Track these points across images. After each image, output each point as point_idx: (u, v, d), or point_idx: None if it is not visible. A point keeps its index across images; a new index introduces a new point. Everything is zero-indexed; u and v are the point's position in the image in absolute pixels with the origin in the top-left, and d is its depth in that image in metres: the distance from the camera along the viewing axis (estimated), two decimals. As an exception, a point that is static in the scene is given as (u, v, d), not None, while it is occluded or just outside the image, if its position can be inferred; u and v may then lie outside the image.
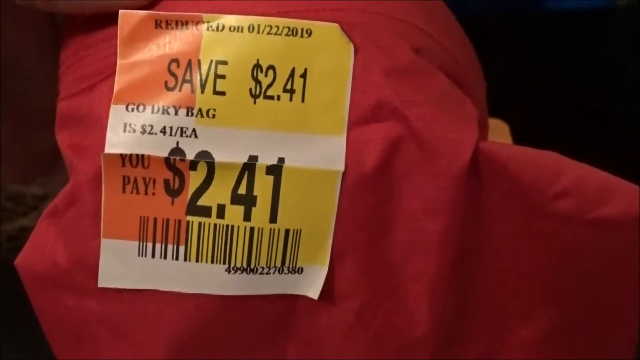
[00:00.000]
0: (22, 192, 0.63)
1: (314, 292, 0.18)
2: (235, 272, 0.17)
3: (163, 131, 0.16)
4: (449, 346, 0.21)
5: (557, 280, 0.21)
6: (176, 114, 0.16)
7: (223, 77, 0.16)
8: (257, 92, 0.16)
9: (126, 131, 0.17)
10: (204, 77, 0.16)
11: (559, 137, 0.74)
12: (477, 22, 0.92)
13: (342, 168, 0.17)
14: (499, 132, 0.39)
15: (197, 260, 0.17)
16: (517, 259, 0.21)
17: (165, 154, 0.17)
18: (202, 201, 0.17)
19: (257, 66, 0.16)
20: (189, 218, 0.17)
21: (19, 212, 0.59)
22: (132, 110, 0.16)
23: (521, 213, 0.21)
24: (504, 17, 0.89)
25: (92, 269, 0.19)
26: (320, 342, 0.19)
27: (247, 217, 0.17)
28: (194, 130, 0.16)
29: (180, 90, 0.16)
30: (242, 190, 0.17)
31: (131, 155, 0.17)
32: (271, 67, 0.16)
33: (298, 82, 0.16)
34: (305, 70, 0.16)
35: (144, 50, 0.17)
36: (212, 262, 0.17)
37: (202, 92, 0.16)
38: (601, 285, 0.22)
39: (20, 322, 0.56)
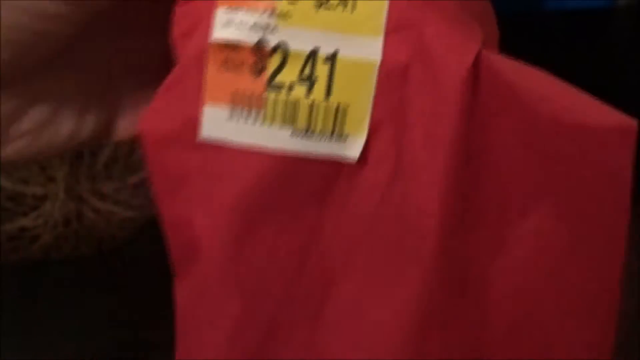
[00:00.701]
0: (22, 192, 0.63)
1: (354, 155, 0.24)
2: (297, 136, 0.24)
3: (253, 26, 0.24)
4: (455, 236, 0.25)
5: (550, 182, 0.26)
6: (263, 14, 0.24)
7: None
8: (320, 3, 0.23)
9: (227, 26, 0.24)
10: None
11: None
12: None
13: (379, 60, 0.24)
14: None
15: (270, 124, 0.24)
16: (514, 162, 0.25)
17: (254, 43, 0.24)
18: (277, 80, 0.24)
19: None
20: (267, 93, 0.24)
21: (19, 212, 0.59)
22: (232, 11, 0.24)
23: (517, 118, 0.26)
24: (504, 17, 0.89)
25: (196, 128, 0.25)
26: (355, 205, 0.25)
27: (308, 93, 0.24)
28: (275, 26, 0.24)
29: None
30: (306, 73, 0.24)
31: (229, 43, 0.24)
32: None
33: None
34: None
35: None
36: (281, 126, 0.24)
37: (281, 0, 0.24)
38: (592, 193, 0.27)
39: (20, 322, 0.56)
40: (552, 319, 0.27)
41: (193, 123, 0.25)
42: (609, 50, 0.85)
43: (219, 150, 0.25)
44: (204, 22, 0.24)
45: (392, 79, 0.24)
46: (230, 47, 0.24)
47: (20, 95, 0.25)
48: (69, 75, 0.27)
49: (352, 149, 0.25)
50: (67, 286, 0.57)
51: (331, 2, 0.23)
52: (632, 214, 0.63)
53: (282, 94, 0.24)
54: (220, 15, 0.24)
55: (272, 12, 0.24)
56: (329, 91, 0.24)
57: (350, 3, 0.23)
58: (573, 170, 0.26)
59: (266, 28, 0.24)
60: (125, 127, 0.29)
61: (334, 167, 0.25)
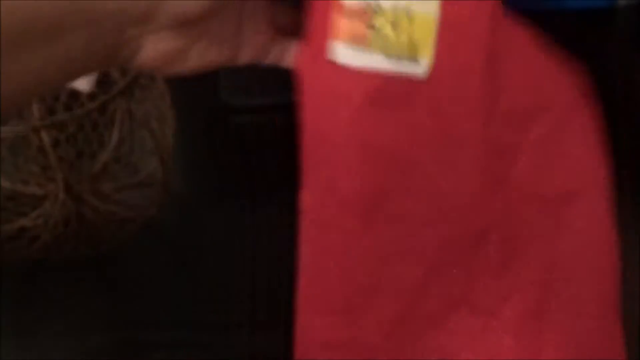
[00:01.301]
0: (22, 192, 0.63)
1: (424, 73, 0.36)
2: (388, 59, 0.36)
3: None
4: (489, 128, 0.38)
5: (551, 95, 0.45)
6: None
7: None
8: None
9: None
10: None
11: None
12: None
13: (436, 15, 0.36)
14: None
15: (371, 53, 0.36)
16: (525, 76, 0.43)
17: (362, 5, 0.36)
18: (375, 24, 0.35)
19: None
20: (369, 32, 0.36)
21: (18, 212, 0.59)
22: None
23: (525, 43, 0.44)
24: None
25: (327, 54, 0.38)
26: (427, 111, 0.38)
27: (393, 32, 0.36)
28: None
29: None
30: (391, 20, 0.35)
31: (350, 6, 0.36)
32: None
33: None
34: None
35: None
36: (378, 54, 0.36)
37: None
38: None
39: (20, 322, 0.56)
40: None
41: (325, 51, 0.37)
42: (609, 50, 0.85)
43: (341, 70, 0.37)
44: None
45: (445, 26, 0.36)
46: (349, 8, 0.36)
47: (195, 33, 0.36)
48: (225, 19, 0.36)
49: (422, 69, 0.36)
50: (67, 286, 0.57)
51: None
52: (632, 214, 0.63)
53: (380, 33, 0.36)
54: None
55: None
56: (410, 32, 0.36)
57: None
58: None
59: None
60: (244, 57, 0.40)
61: (411, 84, 0.36)
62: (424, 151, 0.37)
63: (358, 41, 0.36)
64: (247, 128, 0.74)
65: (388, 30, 0.36)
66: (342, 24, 0.36)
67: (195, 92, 0.79)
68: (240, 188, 0.65)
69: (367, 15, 0.36)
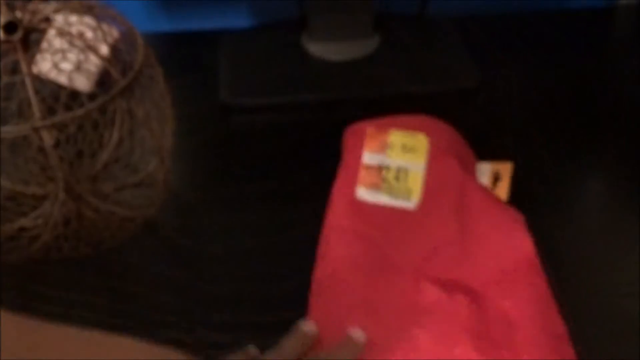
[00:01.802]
0: (22, 192, 0.63)
1: (414, 208, 0.58)
2: (395, 199, 0.58)
3: (377, 158, 0.60)
4: None
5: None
6: (380, 154, 0.60)
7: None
8: (403, 150, 0.60)
9: (368, 159, 0.60)
10: None
11: (559, 135, 0.74)
12: (478, 22, 0.92)
13: (423, 172, 0.59)
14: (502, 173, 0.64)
15: (384, 195, 0.59)
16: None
17: (377, 164, 0.60)
18: (385, 177, 0.59)
19: None
20: (382, 183, 0.59)
21: (18, 212, 0.59)
22: (370, 152, 0.60)
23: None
24: (504, 17, 0.90)
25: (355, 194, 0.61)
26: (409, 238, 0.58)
27: (397, 182, 0.59)
28: (385, 158, 0.60)
29: None
30: (396, 176, 0.59)
31: (369, 164, 0.60)
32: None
33: None
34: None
35: None
36: (388, 195, 0.58)
37: None
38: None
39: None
40: None
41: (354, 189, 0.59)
42: (609, 49, 0.86)
43: (364, 204, 0.58)
44: (358, 149, 0.60)
45: (429, 179, 0.59)
46: (369, 165, 0.59)
47: None
48: None
49: (413, 205, 0.58)
50: (67, 286, 0.57)
51: (407, 150, 0.59)
52: (632, 214, 0.63)
53: (387, 184, 0.59)
54: (366, 153, 0.60)
55: (384, 154, 0.59)
56: (405, 182, 0.58)
57: (409, 150, 0.59)
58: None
59: (382, 159, 0.59)
60: None
61: (406, 215, 0.57)
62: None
63: (374, 187, 0.59)
64: (247, 128, 0.74)
65: (393, 180, 0.58)
66: (363, 175, 0.59)
67: (195, 92, 0.79)
68: (239, 188, 0.65)
69: (380, 170, 0.59)
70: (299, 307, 0.54)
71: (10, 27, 0.50)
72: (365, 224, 0.57)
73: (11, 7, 0.51)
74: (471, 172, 0.59)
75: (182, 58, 0.82)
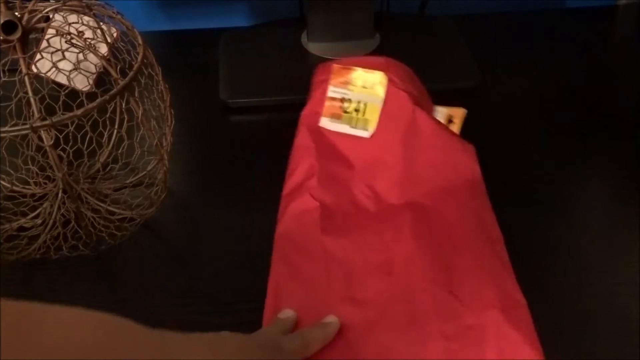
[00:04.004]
0: (22, 192, 0.63)
1: (369, 135, 0.64)
2: (352, 127, 0.65)
3: (341, 92, 0.66)
4: None
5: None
6: (344, 87, 0.66)
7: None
8: (364, 88, 0.67)
9: (332, 92, 0.66)
10: None
11: (560, 135, 0.74)
12: (479, 21, 0.92)
13: (381, 105, 0.65)
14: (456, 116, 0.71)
15: (344, 124, 0.65)
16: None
17: (341, 97, 0.66)
18: (346, 108, 0.66)
19: None
20: (343, 114, 0.66)
21: (18, 212, 0.59)
22: (335, 85, 0.66)
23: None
24: (505, 17, 0.90)
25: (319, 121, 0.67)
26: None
27: (357, 114, 0.65)
28: (347, 92, 0.66)
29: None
30: (356, 107, 0.65)
31: (333, 96, 0.66)
32: None
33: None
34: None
35: None
36: (347, 124, 0.65)
37: None
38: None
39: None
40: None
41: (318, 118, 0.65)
42: (610, 49, 0.85)
43: (325, 131, 0.65)
44: (325, 83, 0.66)
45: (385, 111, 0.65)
46: (333, 97, 0.65)
47: None
48: None
49: (368, 134, 0.64)
50: (67, 286, 0.56)
51: (367, 86, 0.65)
52: (632, 214, 0.63)
53: (348, 115, 0.65)
54: (330, 87, 0.66)
55: (347, 88, 0.65)
56: (364, 114, 0.64)
57: (370, 86, 0.65)
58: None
59: (345, 92, 0.65)
60: None
61: (361, 141, 0.64)
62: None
63: (335, 117, 0.65)
64: (247, 128, 0.74)
65: (353, 112, 0.64)
66: (328, 107, 0.65)
67: (195, 92, 0.79)
68: (239, 187, 0.65)
69: (342, 102, 0.65)
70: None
71: (10, 27, 0.50)
72: (325, 146, 0.64)
73: (10, 7, 0.51)
74: (426, 108, 0.66)
75: (182, 58, 0.82)
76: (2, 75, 0.53)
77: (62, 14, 0.55)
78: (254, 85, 0.77)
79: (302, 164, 0.63)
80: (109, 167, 0.64)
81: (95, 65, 0.56)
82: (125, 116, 0.64)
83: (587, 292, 0.54)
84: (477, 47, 0.81)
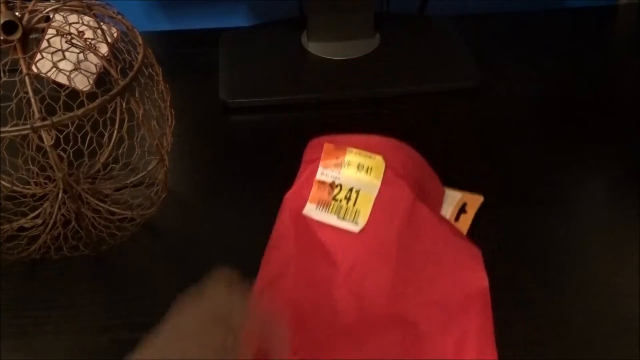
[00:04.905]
0: (22, 193, 0.63)
1: (359, 229, 0.55)
2: (340, 219, 0.56)
3: (331, 175, 0.57)
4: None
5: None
6: (334, 171, 0.57)
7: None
8: (358, 170, 0.57)
9: (321, 174, 0.57)
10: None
11: (560, 135, 0.74)
12: (478, 21, 0.92)
13: (375, 196, 0.56)
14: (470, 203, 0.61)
15: (331, 213, 0.56)
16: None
17: (330, 181, 0.57)
18: (336, 196, 0.56)
19: None
20: (332, 201, 0.56)
21: (18, 213, 0.59)
22: (324, 168, 0.58)
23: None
24: (505, 17, 0.90)
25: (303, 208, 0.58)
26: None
27: (347, 203, 0.57)
28: (339, 176, 0.57)
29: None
30: (347, 195, 0.57)
31: (322, 180, 0.57)
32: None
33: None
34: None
35: None
36: (335, 214, 0.56)
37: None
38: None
39: (19, 322, 0.56)
40: None
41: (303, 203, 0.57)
42: (610, 48, 0.85)
43: (309, 220, 0.56)
44: (315, 163, 0.58)
45: (379, 204, 0.55)
46: (322, 181, 0.57)
47: None
48: None
49: (358, 228, 0.55)
50: (67, 286, 0.56)
51: (362, 171, 0.56)
52: (632, 214, 0.63)
53: (337, 202, 0.56)
54: (320, 169, 0.57)
55: (339, 172, 0.57)
56: (354, 204, 0.56)
57: (365, 171, 0.57)
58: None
59: (336, 176, 0.57)
60: None
61: (349, 236, 0.55)
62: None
63: (323, 204, 0.57)
64: (247, 128, 0.74)
65: (343, 200, 0.56)
66: (315, 191, 0.57)
67: (195, 92, 0.79)
68: (239, 187, 0.65)
69: (332, 188, 0.57)
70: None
71: (10, 27, 0.50)
72: (307, 237, 0.55)
73: (10, 7, 0.51)
74: (431, 200, 0.58)
75: (182, 58, 0.82)
76: (2, 75, 0.53)
77: (62, 14, 0.55)
78: (254, 85, 0.77)
79: (278, 255, 0.55)
80: (109, 167, 0.64)
81: (96, 65, 0.56)
82: (126, 116, 0.64)
83: (587, 292, 0.54)
84: (477, 47, 0.81)
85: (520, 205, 0.62)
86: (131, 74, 0.53)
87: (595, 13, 0.91)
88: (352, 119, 0.71)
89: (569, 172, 0.65)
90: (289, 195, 0.57)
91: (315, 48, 0.81)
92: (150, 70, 0.56)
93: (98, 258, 0.58)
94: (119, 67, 0.53)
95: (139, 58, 0.54)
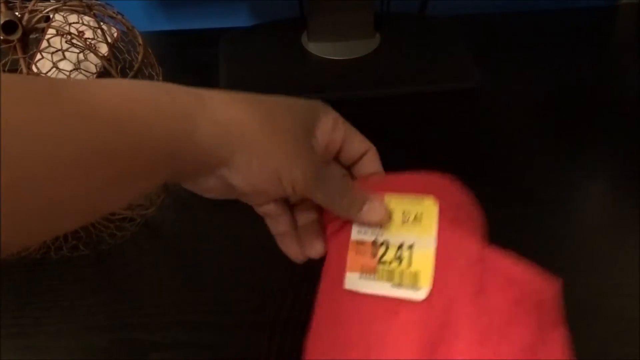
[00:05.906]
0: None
1: (422, 298, 0.41)
2: (394, 287, 0.41)
3: (371, 233, 0.43)
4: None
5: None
6: (375, 228, 0.43)
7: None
8: (403, 222, 0.43)
9: (358, 233, 0.43)
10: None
11: (560, 134, 0.74)
12: (479, 21, 0.92)
13: (434, 250, 0.42)
14: None
15: (379, 281, 0.42)
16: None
17: (372, 240, 0.43)
18: (383, 259, 0.42)
19: None
20: (378, 266, 0.42)
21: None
22: (360, 225, 0.44)
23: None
24: (505, 17, 0.90)
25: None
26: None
27: (399, 265, 0.42)
28: (381, 232, 0.43)
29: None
30: (398, 255, 0.42)
31: (359, 240, 0.43)
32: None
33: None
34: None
35: None
36: (385, 282, 0.41)
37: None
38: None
39: (19, 322, 0.56)
40: None
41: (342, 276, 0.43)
42: (610, 48, 0.86)
43: (354, 295, 0.42)
44: (346, 227, 0.44)
45: (441, 259, 0.41)
46: (360, 242, 0.43)
47: None
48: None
49: (422, 295, 0.41)
50: (67, 286, 0.57)
51: (409, 220, 0.43)
52: (632, 214, 0.63)
53: (386, 266, 0.42)
54: (355, 226, 0.43)
55: (380, 227, 0.43)
56: (409, 264, 0.41)
57: (413, 220, 0.43)
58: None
59: (377, 233, 0.43)
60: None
61: (410, 306, 0.41)
62: None
63: (367, 271, 0.42)
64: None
65: (393, 262, 0.42)
66: (353, 256, 0.43)
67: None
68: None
69: (375, 249, 0.43)
70: (299, 306, 0.54)
71: (10, 27, 0.50)
72: (358, 322, 0.42)
73: (10, 7, 0.51)
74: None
75: (182, 58, 0.82)
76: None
77: (62, 14, 0.55)
78: (254, 85, 0.77)
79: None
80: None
81: (96, 65, 0.56)
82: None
83: (587, 292, 0.54)
84: (477, 47, 0.81)
85: (520, 205, 0.62)
86: (131, 74, 0.53)
87: (595, 13, 0.91)
88: (352, 119, 0.71)
89: (569, 172, 0.65)
90: (326, 266, 0.45)
91: (315, 48, 0.81)
92: (150, 70, 0.56)
93: (98, 258, 0.58)
94: (119, 67, 0.53)
95: (139, 58, 0.54)
